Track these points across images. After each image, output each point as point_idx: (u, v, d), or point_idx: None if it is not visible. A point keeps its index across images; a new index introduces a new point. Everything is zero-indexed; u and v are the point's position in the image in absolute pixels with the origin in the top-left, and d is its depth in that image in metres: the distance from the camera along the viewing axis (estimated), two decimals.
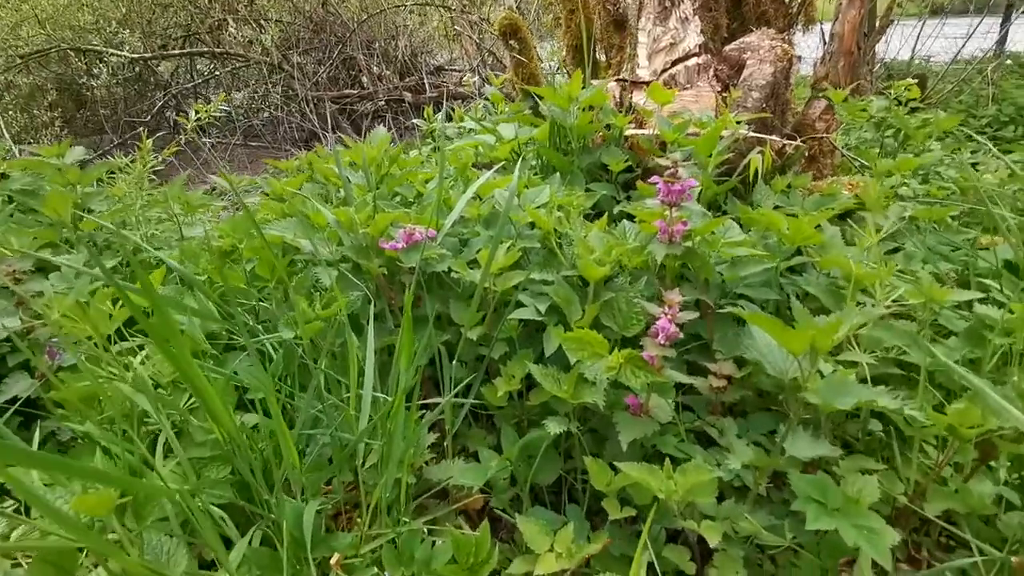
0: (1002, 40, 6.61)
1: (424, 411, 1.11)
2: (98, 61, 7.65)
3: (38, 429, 1.00)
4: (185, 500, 0.84)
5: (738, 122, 1.95)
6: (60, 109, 7.26)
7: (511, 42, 3.48)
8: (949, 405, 0.93)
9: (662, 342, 0.91)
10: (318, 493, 0.96)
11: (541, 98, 1.99)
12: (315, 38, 8.30)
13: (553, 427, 0.96)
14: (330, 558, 0.87)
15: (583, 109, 1.95)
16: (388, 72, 8.12)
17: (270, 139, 7.52)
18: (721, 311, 1.19)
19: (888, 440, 1.10)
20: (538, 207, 1.34)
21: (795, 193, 2.01)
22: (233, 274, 1.35)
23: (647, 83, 2.54)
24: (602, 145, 2.01)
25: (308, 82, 7.68)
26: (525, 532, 0.93)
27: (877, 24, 6.02)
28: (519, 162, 1.85)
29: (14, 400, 1.11)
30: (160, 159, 3.00)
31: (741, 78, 2.47)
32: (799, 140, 2.16)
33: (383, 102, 7.78)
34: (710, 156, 1.70)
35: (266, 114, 7.77)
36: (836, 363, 1.16)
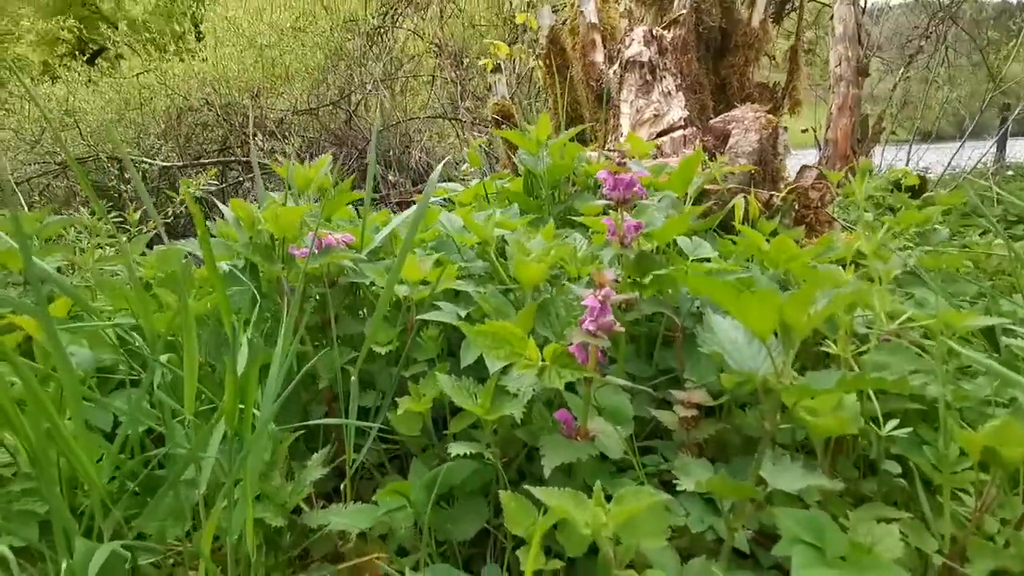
0: (1001, 143, 6.72)
1: (308, 443, 0.89)
2: (131, 169, 8.10)
3: None
4: None
5: (724, 178, 1.85)
6: (92, 213, 7.56)
7: (503, 127, 3.54)
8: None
9: (591, 328, 0.70)
10: (163, 540, 0.72)
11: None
12: (338, 151, 8.81)
13: (458, 448, 0.74)
14: None
15: (556, 158, 1.87)
16: (401, 179, 8.48)
17: None
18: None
19: (912, 489, 0.84)
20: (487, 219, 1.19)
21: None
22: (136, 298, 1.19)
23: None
24: (575, 195, 1.91)
25: None
26: None
27: (870, 131, 6.20)
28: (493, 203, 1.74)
29: None
30: (144, 229, 2.96)
31: (727, 146, 2.41)
32: (787, 193, 2.04)
33: (394, 204, 8.04)
34: (686, 197, 1.58)
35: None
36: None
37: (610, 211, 0.98)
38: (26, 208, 5.94)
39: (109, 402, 0.88)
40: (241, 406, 0.73)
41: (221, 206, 1.27)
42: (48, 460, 0.70)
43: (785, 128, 2.75)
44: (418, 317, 0.92)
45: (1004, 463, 0.67)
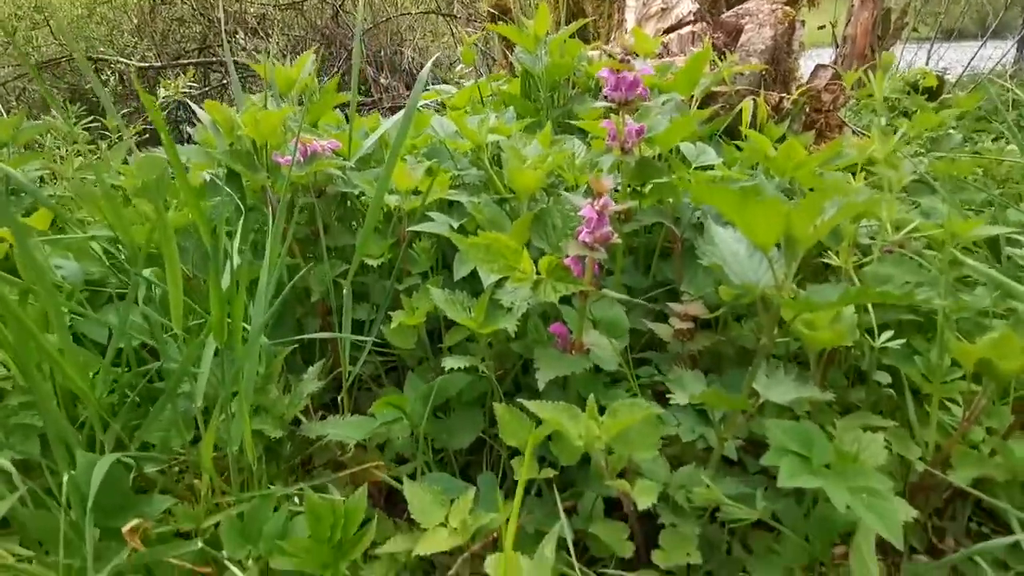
0: (1022, 43, 6.34)
1: (302, 355, 0.89)
2: (108, 70, 7.69)
3: None
4: None
5: (734, 79, 1.74)
6: (74, 116, 7.27)
7: (499, 22, 3.31)
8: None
9: (588, 240, 0.68)
10: (168, 449, 0.74)
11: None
12: (325, 51, 8.32)
13: (452, 362, 0.73)
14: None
15: (556, 57, 1.75)
16: (394, 81, 8.08)
17: None
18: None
19: (900, 399, 0.85)
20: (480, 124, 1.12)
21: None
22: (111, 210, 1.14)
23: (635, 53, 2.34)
24: (574, 97, 1.80)
25: None
26: (412, 501, 0.70)
27: (891, 27, 5.81)
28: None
29: None
30: (124, 136, 2.84)
31: (739, 43, 2.26)
32: (798, 95, 1.93)
33: (387, 109, 7.73)
34: (691, 98, 1.49)
35: None
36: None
37: (611, 114, 0.92)
38: (4, 114, 5.69)
39: (100, 317, 0.87)
40: (230, 320, 0.71)
41: (199, 111, 1.19)
42: (41, 375, 0.70)
43: (802, 23, 2.57)
44: (409, 228, 0.89)
45: (999, 375, 0.66)
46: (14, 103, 7.50)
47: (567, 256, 0.69)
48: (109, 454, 0.65)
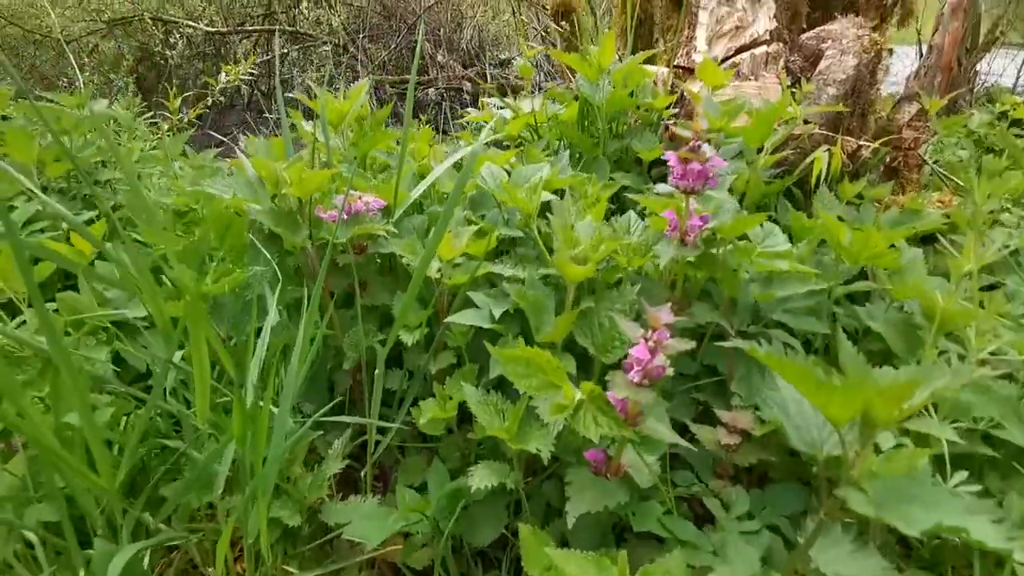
0: None
1: (324, 430, 0.87)
2: (176, 33, 7.88)
3: None
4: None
5: (806, 121, 1.62)
6: (136, 76, 7.52)
7: (562, 24, 3.21)
8: None
9: (636, 379, 0.62)
10: (185, 522, 0.73)
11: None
12: (385, 24, 8.31)
13: (479, 481, 0.69)
14: None
15: (619, 87, 1.66)
16: (452, 61, 8.02)
17: None
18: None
19: (963, 552, 0.77)
20: (531, 187, 1.06)
21: (868, 205, 1.65)
22: (170, 237, 1.14)
23: None
24: (635, 131, 1.71)
25: (371, 65, 7.68)
26: None
27: (981, 40, 5.37)
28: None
29: None
30: (183, 119, 2.89)
31: (817, 70, 2.11)
32: (881, 144, 1.79)
33: (443, 89, 7.68)
34: (761, 150, 1.38)
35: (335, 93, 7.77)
36: (900, 432, 0.84)
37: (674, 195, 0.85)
38: (77, 69, 5.89)
39: (136, 352, 0.86)
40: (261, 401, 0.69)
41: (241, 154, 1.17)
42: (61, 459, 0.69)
43: (891, 51, 2.38)
44: (446, 320, 0.85)
45: None
46: (85, 59, 7.76)
47: (609, 391, 0.64)
48: (128, 546, 0.65)
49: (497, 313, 0.83)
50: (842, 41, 2.16)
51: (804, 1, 2.59)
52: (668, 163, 0.81)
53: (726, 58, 2.31)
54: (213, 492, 0.71)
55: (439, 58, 7.94)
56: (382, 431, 0.90)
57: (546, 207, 1.08)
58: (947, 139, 3.12)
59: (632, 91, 1.67)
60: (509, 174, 1.12)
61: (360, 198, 0.94)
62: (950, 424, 0.83)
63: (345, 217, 0.93)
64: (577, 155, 1.64)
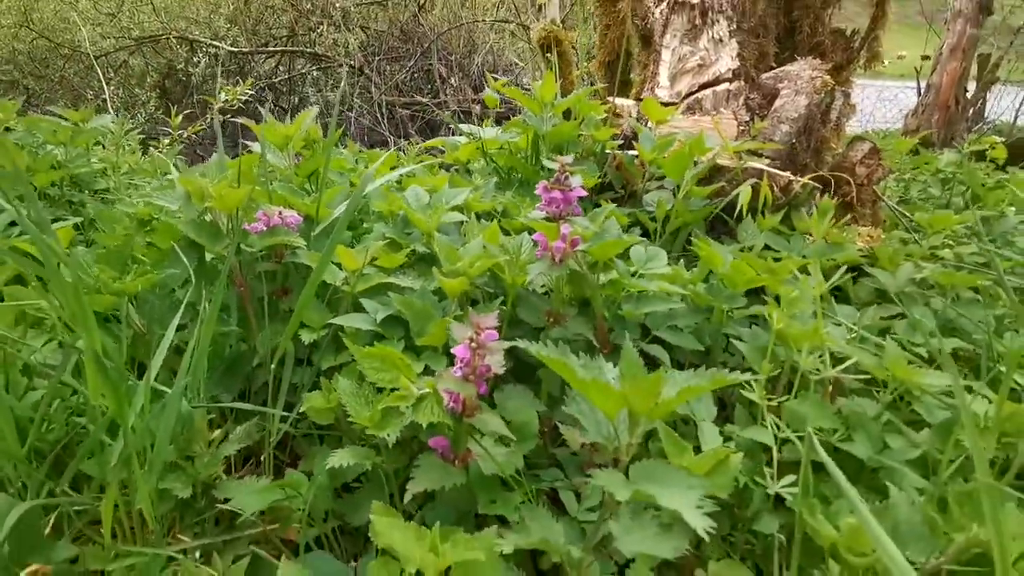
0: None
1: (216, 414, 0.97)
2: (199, 52, 8.21)
3: None
4: None
5: (759, 152, 1.72)
6: (161, 92, 7.85)
7: (548, 56, 3.36)
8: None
9: (459, 374, 0.72)
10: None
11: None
12: (402, 47, 8.60)
13: (337, 460, 0.79)
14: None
15: (571, 119, 1.78)
16: (462, 84, 8.26)
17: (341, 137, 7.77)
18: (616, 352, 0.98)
19: (769, 543, 0.85)
20: (450, 209, 1.18)
21: (797, 237, 1.74)
22: (120, 241, 1.26)
23: (665, 104, 2.33)
24: (578, 160, 1.83)
25: (384, 86, 7.93)
26: None
27: (982, 79, 5.43)
28: (476, 165, 1.70)
29: None
30: (182, 135, 3.06)
31: (772, 109, 2.22)
32: (810, 179, 1.88)
33: (452, 112, 7.91)
34: (683, 181, 1.49)
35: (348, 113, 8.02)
36: (740, 438, 0.92)
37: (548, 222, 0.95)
38: (104, 84, 6.14)
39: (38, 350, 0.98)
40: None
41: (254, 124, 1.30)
42: None
43: (846, 93, 2.48)
44: (329, 321, 0.96)
45: (848, 566, 0.66)
46: (113, 75, 8.10)
47: (441, 386, 0.73)
48: (27, 501, 0.75)
49: (380, 318, 0.94)
50: (797, 81, 2.26)
51: (772, 42, 2.70)
52: (537, 191, 0.92)
53: (689, 93, 2.44)
54: (108, 464, 0.81)
55: (452, 81, 8.20)
56: (284, 421, 1.00)
57: (459, 228, 1.19)
58: (919, 177, 3.19)
59: (580, 122, 1.79)
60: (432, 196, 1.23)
61: (279, 213, 1.06)
62: (790, 433, 0.91)
63: (263, 228, 1.05)
64: (524, 180, 1.75)
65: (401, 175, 1.22)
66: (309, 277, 1.03)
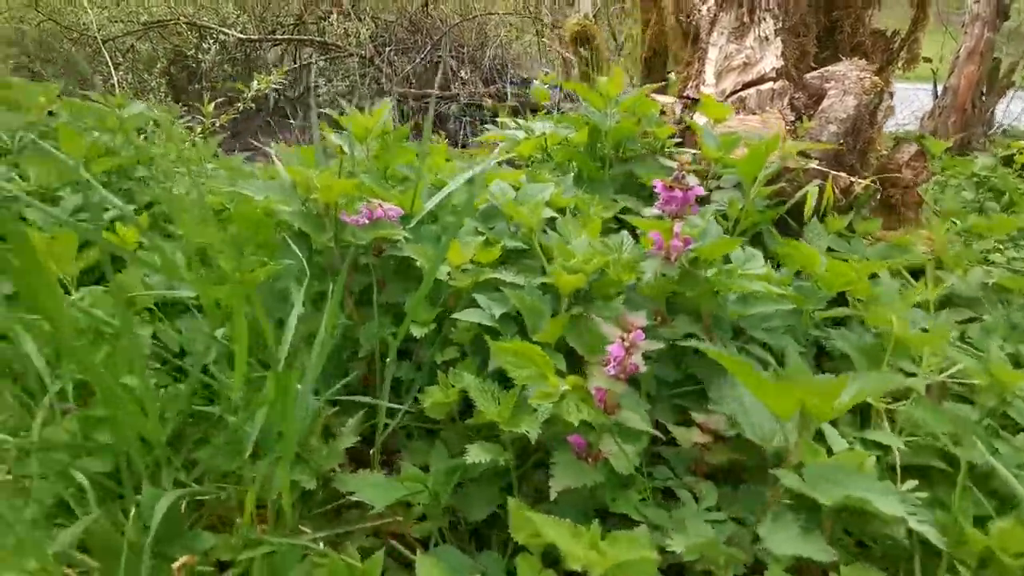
0: None
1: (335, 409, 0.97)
2: (209, 38, 8.14)
3: None
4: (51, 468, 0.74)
5: (806, 156, 1.72)
6: (169, 77, 7.79)
7: (581, 50, 3.34)
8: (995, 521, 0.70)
9: (612, 372, 0.72)
10: (219, 479, 0.84)
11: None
12: (411, 38, 8.55)
13: (474, 456, 0.79)
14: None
15: (628, 115, 1.78)
16: (473, 77, 8.23)
17: None
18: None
19: (911, 550, 0.86)
20: (535, 204, 1.17)
21: (858, 239, 1.75)
22: (208, 231, 1.26)
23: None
24: (638, 157, 1.82)
25: (396, 77, 7.88)
26: (420, 574, 0.77)
27: (997, 85, 5.44)
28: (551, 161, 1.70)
29: None
30: (216, 123, 3.04)
31: (819, 108, 2.21)
32: (871, 181, 1.88)
33: (463, 104, 7.87)
34: (755, 180, 1.49)
35: (354, 104, 7.95)
36: (859, 440, 0.93)
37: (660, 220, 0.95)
38: (112, 68, 6.09)
39: (177, 333, 0.97)
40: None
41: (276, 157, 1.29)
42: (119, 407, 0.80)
43: (891, 94, 2.49)
44: (452, 316, 0.96)
45: (1003, 568, 0.67)
46: (121, 59, 8.02)
47: (590, 383, 0.74)
48: (171, 491, 0.75)
49: (498, 313, 0.94)
50: (844, 82, 2.26)
51: (812, 41, 2.70)
52: (655, 190, 0.92)
53: (733, 92, 2.43)
54: (241, 456, 0.81)
55: (462, 74, 8.16)
56: (390, 415, 1.00)
57: (550, 223, 1.19)
58: (952, 180, 3.20)
59: (639, 120, 1.79)
60: (517, 191, 1.23)
61: (380, 206, 1.06)
62: (905, 436, 0.92)
63: (366, 222, 1.05)
64: (584, 176, 1.75)
65: (484, 169, 1.22)
66: (404, 270, 1.03)
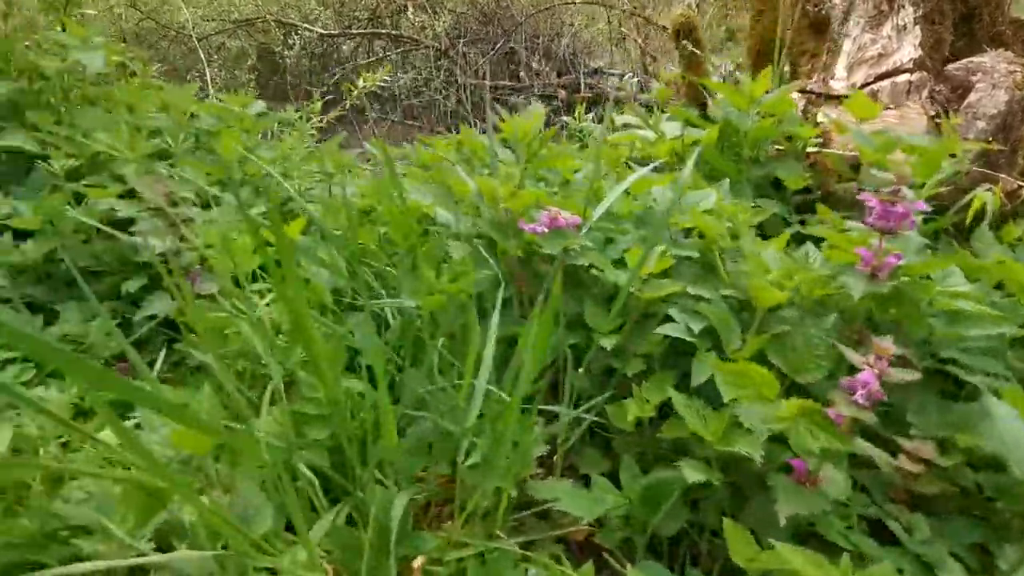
0: None
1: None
2: (294, 34, 8.45)
3: (163, 352, 1.02)
4: (275, 458, 0.79)
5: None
6: (257, 73, 8.16)
7: (684, 42, 3.25)
8: None
9: (861, 401, 0.69)
10: (412, 481, 0.87)
11: (708, 98, 1.79)
12: (483, 29, 8.58)
13: (691, 475, 0.79)
14: (412, 558, 0.77)
15: (762, 115, 1.71)
16: (547, 68, 8.18)
17: (425, 120, 7.86)
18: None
19: None
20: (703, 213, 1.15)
21: (1021, 247, 1.62)
22: (365, 233, 1.31)
23: (840, 97, 2.22)
24: (778, 158, 1.75)
25: (469, 70, 7.94)
26: None
27: None
28: (687, 162, 1.66)
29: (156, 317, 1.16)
30: (324, 120, 3.16)
31: (965, 103, 2.07)
32: None
33: (536, 96, 7.83)
34: (922, 185, 1.40)
35: (426, 97, 8.10)
36: None
37: (869, 236, 0.91)
38: (205, 63, 6.40)
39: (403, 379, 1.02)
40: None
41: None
42: (343, 406, 0.84)
43: None
44: (657, 331, 0.95)
45: None
46: (214, 56, 8.44)
47: (833, 409, 0.71)
48: (403, 492, 0.79)
49: (696, 328, 0.93)
50: (993, 75, 2.11)
51: (948, 30, 2.52)
52: (868, 204, 0.88)
53: (865, 84, 2.31)
54: (458, 459, 0.84)
55: (534, 65, 8.11)
56: (573, 424, 1.01)
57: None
58: None
59: (780, 120, 1.72)
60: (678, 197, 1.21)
61: (559, 214, 1.06)
62: None
63: (545, 230, 1.06)
64: (714, 179, 1.70)
65: (640, 176, 1.20)
66: (576, 277, 1.03)
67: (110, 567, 0.65)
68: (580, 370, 1.07)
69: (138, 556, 0.67)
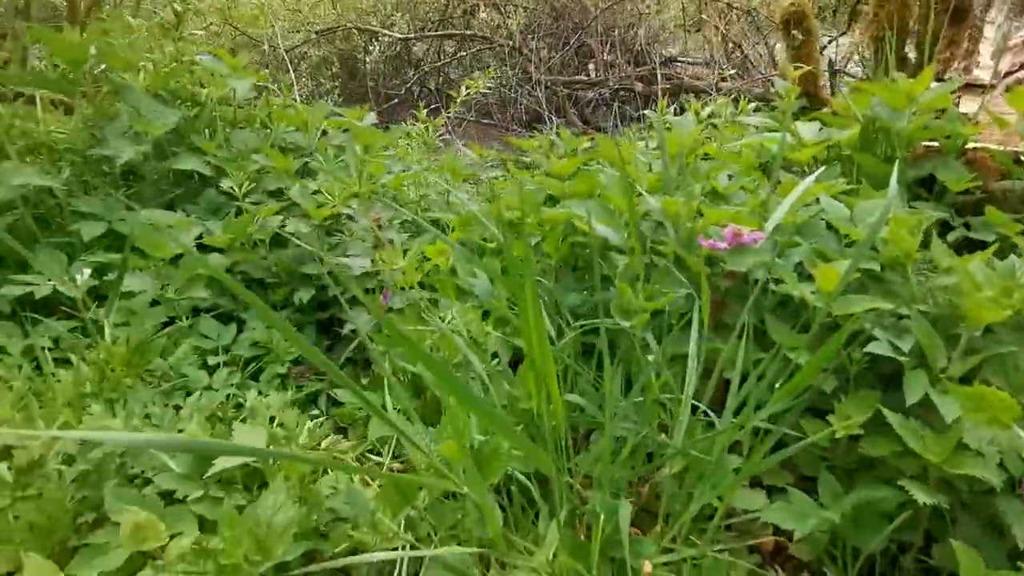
0: None
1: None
2: (372, 39, 8.75)
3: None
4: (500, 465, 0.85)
5: None
6: (339, 80, 8.53)
7: (793, 32, 3.14)
8: None
9: None
10: (623, 490, 0.92)
11: (817, 90, 1.72)
12: (554, 24, 8.56)
13: (922, 496, 0.79)
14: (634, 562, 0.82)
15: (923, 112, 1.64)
16: (621, 61, 8.07)
17: (499, 118, 7.93)
18: None
19: None
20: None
21: None
22: (519, 246, 1.37)
23: (984, 86, 2.09)
24: (930, 157, 1.67)
25: (543, 66, 7.94)
26: None
27: None
28: (834, 168, 1.63)
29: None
30: (433, 130, 3.27)
31: None
32: None
33: (610, 91, 7.75)
34: None
35: (497, 95, 8.16)
36: None
37: None
38: (291, 71, 6.73)
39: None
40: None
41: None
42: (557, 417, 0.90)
43: None
44: (867, 351, 0.95)
45: None
46: (301, 65, 8.86)
47: None
48: (624, 500, 0.84)
49: (905, 347, 0.92)
50: None
51: None
52: None
53: (1008, 73, 2.17)
54: (665, 470, 0.88)
55: (606, 57, 8.01)
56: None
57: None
58: None
59: (936, 116, 1.64)
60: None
61: (742, 230, 1.07)
62: None
63: (725, 246, 1.07)
64: (858, 181, 1.65)
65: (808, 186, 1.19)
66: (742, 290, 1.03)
67: (390, 558, 0.73)
68: (761, 381, 1.08)
69: (411, 549, 0.75)
